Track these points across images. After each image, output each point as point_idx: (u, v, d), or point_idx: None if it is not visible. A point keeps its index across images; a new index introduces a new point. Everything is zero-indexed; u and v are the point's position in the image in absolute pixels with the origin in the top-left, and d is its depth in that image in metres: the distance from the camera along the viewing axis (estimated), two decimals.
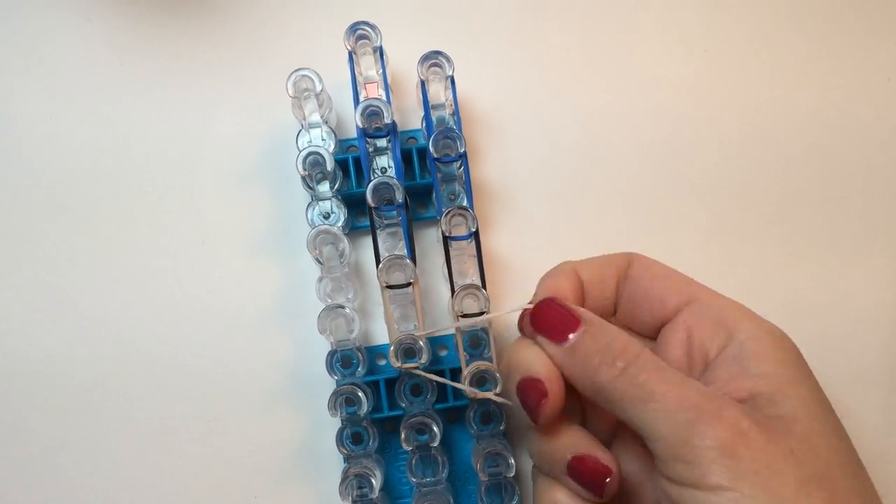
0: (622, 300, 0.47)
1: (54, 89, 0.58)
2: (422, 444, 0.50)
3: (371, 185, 0.49)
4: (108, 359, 0.55)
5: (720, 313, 0.44)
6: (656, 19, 0.60)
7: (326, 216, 0.53)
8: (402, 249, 0.51)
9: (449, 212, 0.50)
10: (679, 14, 0.60)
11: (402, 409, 0.52)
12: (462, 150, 0.51)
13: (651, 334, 0.47)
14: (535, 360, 0.43)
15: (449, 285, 0.51)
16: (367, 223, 0.52)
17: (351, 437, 0.51)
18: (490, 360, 0.50)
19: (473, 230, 0.50)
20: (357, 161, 0.54)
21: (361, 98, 0.52)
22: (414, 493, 0.51)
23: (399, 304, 0.51)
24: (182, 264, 0.56)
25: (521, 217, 0.57)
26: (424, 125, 0.54)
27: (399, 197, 0.49)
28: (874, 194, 0.58)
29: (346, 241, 0.51)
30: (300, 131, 0.54)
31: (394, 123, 0.51)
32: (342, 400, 0.50)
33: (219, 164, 0.57)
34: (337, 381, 0.52)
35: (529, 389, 0.42)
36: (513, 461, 0.50)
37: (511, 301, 0.55)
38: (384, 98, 0.52)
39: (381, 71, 0.53)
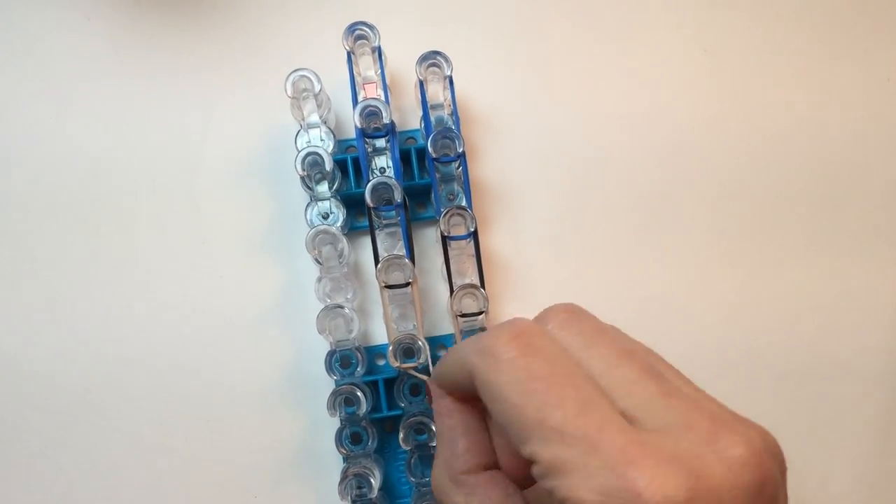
0: None
1: (54, 89, 0.58)
2: (421, 443, 0.50)
3: (370, 185, 0.49)
4: (107, 359, 0.55)
5: None
6: (656, 19, 0.60)
7: (325, 216, 0.53)
8: (400, 249, 0.51)
9: (447, 212, 0.50)
10: (679, 14, 0.60)
11: (402, 408, 0.52)
12: (460, 150, 0.51)
13: None
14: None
15: (448, 285, 0.51)
16: (366, 223, 0.52)
17: (350, 437, 0.51)
18: None
19: (472, 230, 0.50)
20: (356, 161, 0.54)
21: (360, 98, 0.52)
22: (413, 493, 0.51)
23: (398, 304, 0.51)
24: (182, 264, 0.56)
25: (520, 217, 0.57)
26: (423, 125, 0.54)
27: (398, 197, 0.49)
28: (874, 194, 0.58)
29: (345, 241, 0.51)
30: (299, 131, 0.54)
31: (392, 123, 0.51)
32: (341, 400, 0.50)
33: (219, 164, 0.57)
34: (336, 381, 0.52)
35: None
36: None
37: (509, 300, 0.55)
38: (383, 98, 0.52)
39: (379, 71, 0.53)
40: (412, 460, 0.50)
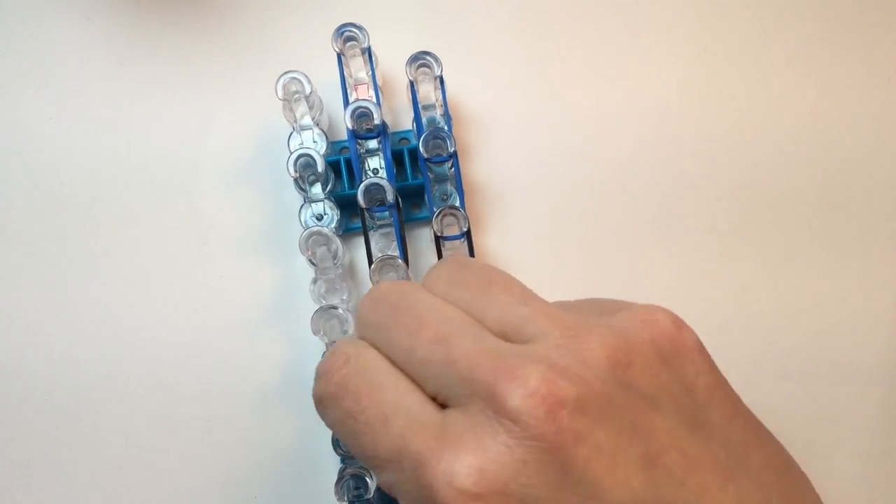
0: None
1: (54, 89, 0.58)
2: None
3: (362, 186, 0.49)
4: (107, 359, 0.55)
5: None
6: (655, 18, 0.60)
7: (319, 218, 0.53)
8: (394, 250, 0.52)
9: (441, 212, 0.50)
10: (679, 13, 0.60)
11: None
12: (452, 150, 0.51)
13: None
14: None
15: None
16: (361, 224, 0.52)
17: None
18: None
19: (465, 230, 0.50)
20: (349, 162, 0.54)
21: (351, 100, 0.52)
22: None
23: None
24: (181, 264, 0.56)
25: (514, 216, 0.57)
26: (415, 126, 0.54)
27: (390, 197, 0.49)
28: (874, 194, 0.58)
29: (339, 242, 0.51)
30: (292, 133, 0.54)
31: (384, 124, 0.51)
32: None
33: (218, 164, 0.57)
34: None
35: None
36: None
37: None
38: (374, 99, 0.52)
39: (370, 72, 0.53)
40: None
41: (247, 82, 0.58)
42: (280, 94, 0.52)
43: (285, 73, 0.51)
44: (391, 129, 0.56)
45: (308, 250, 0.51)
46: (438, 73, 0.52)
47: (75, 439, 0.55)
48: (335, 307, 0.51)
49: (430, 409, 0.32)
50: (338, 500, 0.50)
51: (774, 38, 0.60)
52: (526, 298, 0.36)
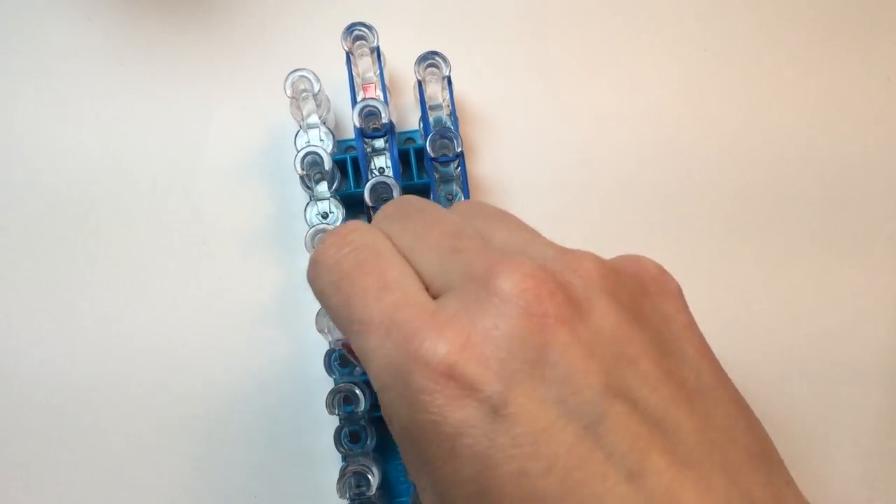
0: None
1: (54, 89, 0.58)
2: None
3: (368, 184, 0.49)
4: (107, 359, 0.55)
5: None
6: (656, 18, 0.60)
7: (325, 216, 0.53)
8: None
9: None
10: (679, 13, 0.60)
11: None
12: (459, 150, 0.51)
13: None
14: None
15: None
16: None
17: (349, 436, 0.51)
18: None
19: None
20: (355, 161, 0.54)
21: (359, 98, 0.52)
22: (412, 492, 0.51)
23: None
24: (182, 264, 0.56)
25: (518, 216, 0.57)
26: (422, 125, 0.54)
27: (396, 196, 0.49)
28: (874, 194, 0.58)
29: None
30: (298, 132, 0.54)
31: (391, 123, 0.51)
32: (340, 398, 0.50)
33: (219, 164, 0.57)
34: (335, 379, 0.52)
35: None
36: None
37: None
38: (382, 98, 0.52)
39: (378, 71, 0.53)
40: None
41: (246, 82, 0.58)
42: (289, 91, 0.52)
43: (294, 70, 0.51)
44: (397, 128, 0.56)
45: (313, 248, 0.51)
46: (446, 74, 0.52)
47: (75, 440, 0.55)
48: None
49: (427, 296, 0.33)
50: (340, 497, 0.50)
51: (774, 38, 0.60)
52: (532, 233, 0.37)
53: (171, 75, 0.58)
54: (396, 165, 0.52)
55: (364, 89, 0.53)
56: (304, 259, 0.55)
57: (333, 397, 0.50)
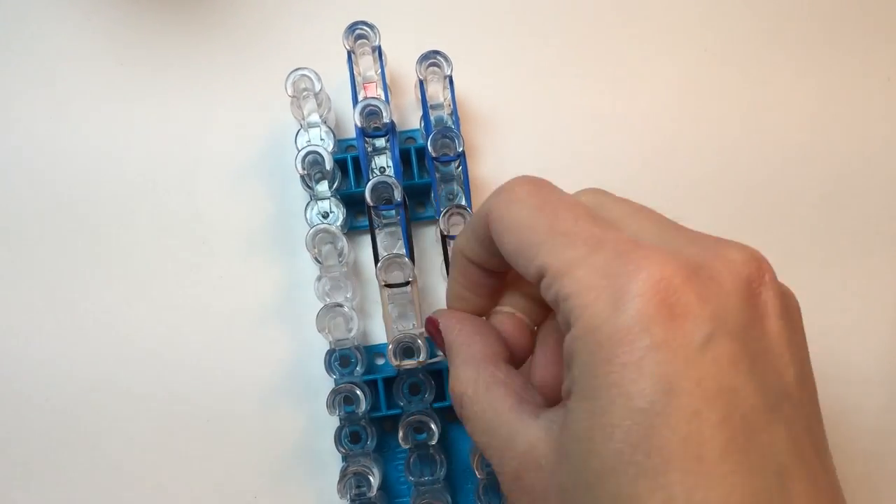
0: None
1: (54, 89, 0.58)
2: (420, 442, 0.50)
3: (370, 184, 0.49)
4: (108, 359, 0.55)
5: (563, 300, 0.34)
6: (656, 19, 0.60)
7: (325, 215, 0.53)
8: (400, 248, 0.51)
9: (447, 211, 0.50)
10: (679, 14, 0.60)
11: (401, 407, 0.52)
12: (460, 150, 0.51)
13: None
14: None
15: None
16: (366, 222, 0.52)
17: (349, 436, 0.51)
18: None
19: None
20: (356, 160, 0.54)
21: (360, 98, 0.52)
22: (412, 492, 0.51)
23: (398, 304, 0.51)
24: (182, 264, 0.56)
25: None
26: (423, 125, 0.54)
27: (397, 196, 0.49)
28: (874, 194, 0.58)
29: (344, 240, 0.51)
30: (299, 131, 0.54)
31: (392, 123, 0.51)
32: (340, 399, 0.50)
33: (219, 164, 0.57)
34: (335, 379, 0.52)
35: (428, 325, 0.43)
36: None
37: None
38: (383, 98, 0.52)
39: (379, 71, 0.53)
40: (411, 459, 0.50)
41: (247, 81, 0.58)
42: (290, 90, 0.52)
43: (295, 69, 0.52)
44: (398, 127, 0.56)
45: (314, 248, 0.51)
46: (448, 73, 0.52)
47: (75, 440, 0.55)
48: (340, 305, 0.51)
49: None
50: (340, 498, 0.50)
51: (774, 39, 0.60)
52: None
53: (171, 75, 0.58)
54: (397, 165, 0.51)
55: (365, 88, 0.53)
56: (304, 259, 0.55)
57: (334, 398, 0.50)
